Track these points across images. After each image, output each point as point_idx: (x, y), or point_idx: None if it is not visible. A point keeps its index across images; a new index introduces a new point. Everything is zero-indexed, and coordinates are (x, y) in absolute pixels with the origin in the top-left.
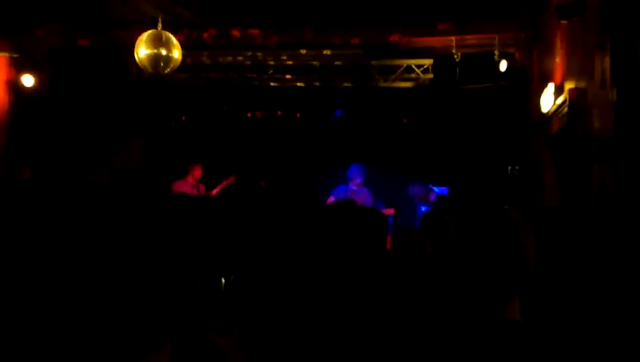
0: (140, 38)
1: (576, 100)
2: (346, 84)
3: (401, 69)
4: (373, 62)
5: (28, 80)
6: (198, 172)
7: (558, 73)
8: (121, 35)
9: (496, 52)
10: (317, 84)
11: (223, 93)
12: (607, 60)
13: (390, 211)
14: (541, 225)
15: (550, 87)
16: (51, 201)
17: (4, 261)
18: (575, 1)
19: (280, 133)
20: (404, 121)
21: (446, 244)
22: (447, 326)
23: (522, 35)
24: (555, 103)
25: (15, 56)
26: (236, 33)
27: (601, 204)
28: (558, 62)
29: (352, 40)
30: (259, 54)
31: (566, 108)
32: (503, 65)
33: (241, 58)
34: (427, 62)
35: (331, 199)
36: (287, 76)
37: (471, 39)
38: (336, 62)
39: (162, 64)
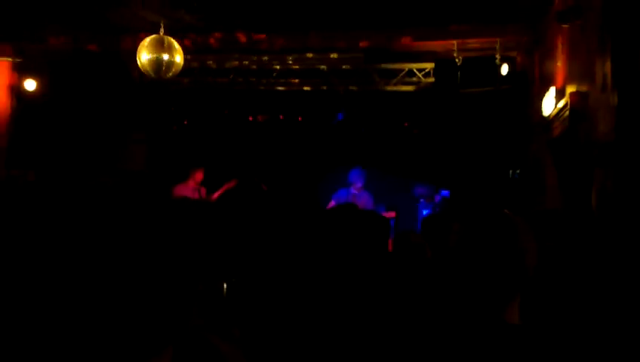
0: (142, 43)
1: (578, 104)
2: (347, 88)
3: (403, 72)
4: (374, 66)
5: (30, 84)
6: (199, 176)
7: (560, 77)
8: (123, 40)
9: (497, 56)
10: (324, 87)
11: (224, 98)
12: (608, 64)
13: (391, 214)
14: (542, 229)
15: (551, 91)
16: (54, 205)
17: (6, 263)
18: (576, 5)
19: (281, 137)
20: (406, 124)
21: (446, 248)
22: (446, 329)
23: (524, 38)
24: (556, 107)
25: (17, 60)
26: (242, 38)
27: (603, 208)
28: (560, 65)
29: (361, 43)
30: (264, 58)
31: (567, 112)
32: (505, 69)
33: (247, 62)
34: (428, 65)
35: (332, 203)
36: (292, 80)
37: (472, 43)
38: (344, 66)
39: (164, 68)
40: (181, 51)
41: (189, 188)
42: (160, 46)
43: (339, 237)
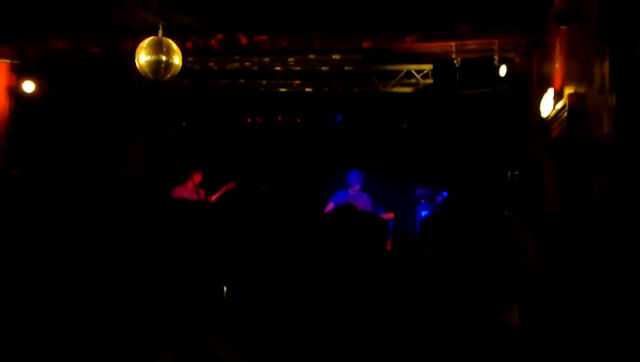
0: (140, 45)
1: (576, 105)
2: (346, 90)
3: (401, 74)
4: (373, 68)
5: (28, 86)
6: (198, 177)
7: (558, 78)
8: (122, 42)
9: (495, 57)
10: (323, 89)
11: (222, 99)
12: (607, 66)
13: (390, 215)
14: (541, 230)
15: (550, 92)
16: (54, 206)
17: (7, 265)
18: (574, 7)
19: (280, 139)
20: (404, 125)
21: (446, 249)
22: (446, 330)
23: (522, 40)
24: (554, 108)
25: (16, 62)
26: (243, 39)
27: (601, 209)
28: (558, 67)
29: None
30: (266, 59)
31: (565, 113)
32: (503, 71)
33: (248, 64)
34: (427, 67)
35: (330, 205)
36: (291, 82)
37: (471, 44)
38: (346, 68)
39: (163, 70)
40: (179, 53)
41: (188, 189)
42: (158, 48)
43: (337, 238)
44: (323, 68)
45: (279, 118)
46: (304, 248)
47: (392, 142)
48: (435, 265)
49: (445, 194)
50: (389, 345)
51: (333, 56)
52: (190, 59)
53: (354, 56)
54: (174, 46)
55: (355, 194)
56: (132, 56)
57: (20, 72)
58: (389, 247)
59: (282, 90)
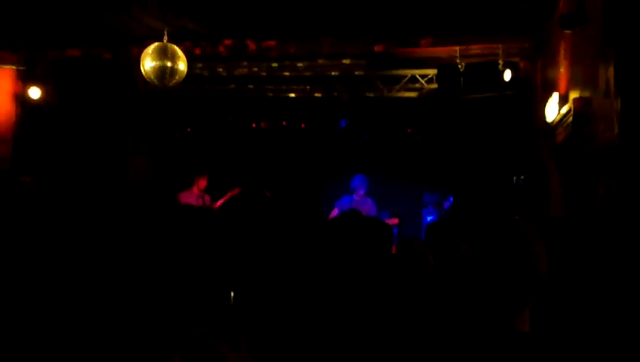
0: (145, 51)
1: (581, 110)
2: (350, 95)
3: (406, 79)
4: (377, 73)
5: (34, 92)
6: (203, 183)
7: (563, 83)
8: (127, 48)
9: (500, 62)
10: (327, 94)
11: (227, 105)
12: (611, 70)
13: (394, 221)
14: (547, 235)
15: (555, 97)
16: (62, 213)
17: (16, 274)
18: (578, 10)
19: (285, 144)
20: (409, 130)
21: (453, 255)
22: (454, 336)
23: (526, 44)
24: (559, 113)
25: (21, 68)
26: (251, 45)
27: (607, 214)
28: (563, 71)
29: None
30: (274, 65)
31: (571, 118)
32: (507, 75)
33: (256, 69)
34: (431, 72)
35: (335, 210)
36: (296, 87)
37: (475, 49)
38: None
39: (168, 76)
40: (184, 59)
41: (193, 195)
42: (163, 53)
43: (343, 244)
44: (332, 73)
45: (284, 123)
46: (309, 254)
47: (396, 147)
48: (440, 271)
49: (451, 199)
50: (396, 352)
51: (344, 61)
52: (199, 65)
53: (361, 61)
54: (179, 52)
55: (360, 199)
56: (137, 62)
57: (26, 78)
58: (394, 253)
59: (290, 95)
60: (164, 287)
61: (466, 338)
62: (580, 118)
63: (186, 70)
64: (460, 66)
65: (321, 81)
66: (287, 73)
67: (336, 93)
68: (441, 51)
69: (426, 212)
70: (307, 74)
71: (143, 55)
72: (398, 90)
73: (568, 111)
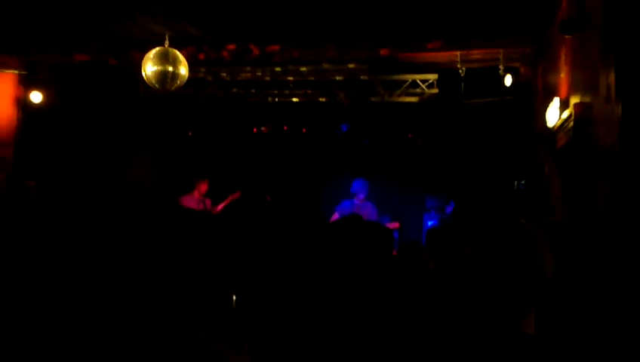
0: (146, 55)
1: (582, 115)
2: (351, 100)
3: (407, 83)
4: (378, 78)
5: (36, 96)
6: (204, 187)
7: (563, 88)
8: (128, 52)
9: (501, 67)
10: (328, 99)
11: (228, 109)
12: (612, 75)
13: (395, 225)
14: (549, 240)
15: (555, 102)
16: (61, 217)
17: (17, 281)
18: (579, 16)
19: (286, 149)
20: (410, 135)
21: (456, 259)
22: (457, 340)
23: (527, 49)
24: (560, 118)
25: (23, 73)
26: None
27: (608, 219)
28: (563, 76)
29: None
30: (277, 69)
31: (571, 123)
32: (508, 80)
33: (259, 73)
34: (432, 77)
35: (336, 215)
36: (298, 92)
37: (476, 54)
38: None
39: (169, 80)
40: (186, 63)
41: (194, 199)
42: (165, 58)
43: (344, 248)
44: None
45: (285, 128)
46: (310, 258)
47: (397, 152)
48: (441, 275)
49: (452, 204)
50: (399, 355)
51: (349, 65)
52: (202, 69)
53: (363, 66)
54: (180, 56)
55: (360, 203)
56: (139, 66)
57: (28, 82)
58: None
59: (292, 100)
60: (166, 291)
61: (470, 342)
62: (580, 123)
63: (187, 74)
64: (460, 71)
65: (322, 85)
66: (290, 78)
67: (330, 98)
68: (441, 56)
69: (427, 216)
70: (311, 78)
71: (144, 60)
72: (399, 95)
73: (569, 117)
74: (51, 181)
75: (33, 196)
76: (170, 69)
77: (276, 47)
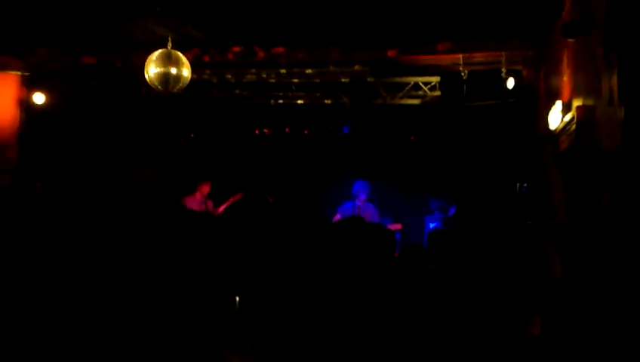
0: (149, 57)
1: (584, 118)
2: (353, 102)
3: (409, 86)
4: (380, 80)
5: (39, 98)
6: (206, 188)
7: (566, 91)
8: (131, 54)
9: (503, 69)
10: (330, 101)
11: (231, 111)
12: (615, 78)
13: (397, 226)
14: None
15: (558, 105)
16: (65, 219)
17: (20, 285)
18: (581, 19)
19: (288, 150)
20: (412, 137)
21: (460, 261)
22: (462, 341)
23: (529, 52)
24: (562, 121)
25: (26, 74)
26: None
27: (610, 221)
28: (566, 79)
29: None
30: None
31: (574, 126)
32: (510, 83)
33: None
34: (434, 79)
35: (337, 216)
36: (300, 94)
37: (478, 57)
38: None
39: (172, 82)
40: (188, 65)
41: (196, 200)
42: (167, 60)
43: (346, 250)
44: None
45: (286, 130)
46: (313, 259)
47: (399, 154)
48: (441, 277)
49: (454, 206)
50: (402, 358)
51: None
52: (207, 71)
53: (365, 68)
54: (183, 58)
55: (362, 204)
56: (141, 68)
57: (31, 84)
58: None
59: (295, 102)
60: (169, 292)
61: (475, 343)
62: (583, 126)
63: (190, 76)
64: (463, 74)
65: (324, 88)
66: (296, 80)
67: (332, 100)
68: (444, 59)
69: (429, 219)
70: (317, 80)
71: (147, 61)
72: (401, 98)
73: (571, 119)
74: (54, 182)
75: (38, 197)
76: (173, 70)
77: (281, 50)
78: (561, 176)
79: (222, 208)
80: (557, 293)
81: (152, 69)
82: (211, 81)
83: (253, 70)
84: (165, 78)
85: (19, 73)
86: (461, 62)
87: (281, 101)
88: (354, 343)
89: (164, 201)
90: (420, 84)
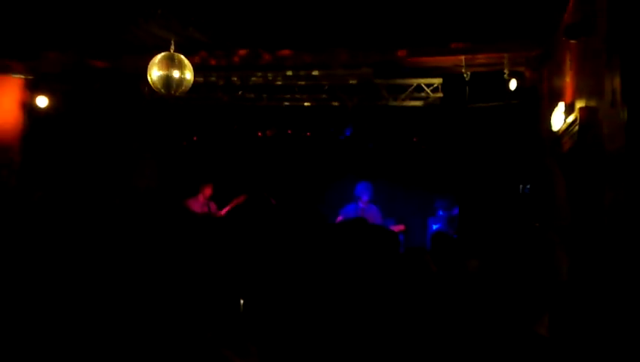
0: (152, 60)
1: (587, 119)
2: (355, 103)
3: (411, 88)
4: (383, 82)
5: (42, 101)
6: (208, 191)
7: (569, 92)
8: (133, 57)
9: (505, 71)
10: (333, 103)
11: (233, 113)
12: (617, 79)
13: (400, 228)
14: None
15: (560, 106)
16: (69, 222)
17: (23, 291)
18: (584, 20)
19: (290, 152)
20: (415, 139)
21: (461, 263)
22: (468, 341)
23: (532, 54)
24: (565, 122)
25: (29, 77)
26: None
27: (613, 223)
28: (568, 81)
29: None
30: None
31: (577, 127)
32: (513, 84)
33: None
34: (437, 81)
35: (340, 218)
36: (301, 95)
37: (480, 58)
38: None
39: (175, 85)
40: (191, 68)
41: (199, 203)
42: (170, 63)
43: (350, 251)
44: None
45: (289, 132)
46: (316, 261)
47: (402, 156)
48: (444, 278)
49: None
50: (405, 357)
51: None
52: (214, 74)
53: (360, 71)
54: (186, 61)
55: (365, 206)
56: (144, 71)
57: (33, 87)
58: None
59: (297, 104)
60: (174, 294)
61: (485, 342)
62: (585, 128)
63: (192, 79)
64: (465, 75)
65: (327, 90)
66: (302, 82)
67: (334, 102)
68: (446, 60)
69: (432, 220)
70: (323, 83)
71: (150, 64)
72: (404, 99)
73: (574, 121)
74: (57, 184)
75: (41, 199)
76: (176, 74)
77: (287, 52)
78: (564, 177)
79: (224, 210)
80: (564, 294)
81: (155, 72)
82: (217, 83)
83: (259, 73)
84: (168, 81)
85: (22, 76)
86: (463, 64)
87: (287, 103)
88: (358, 344)
89: (166, 204)
90: (423, 85)
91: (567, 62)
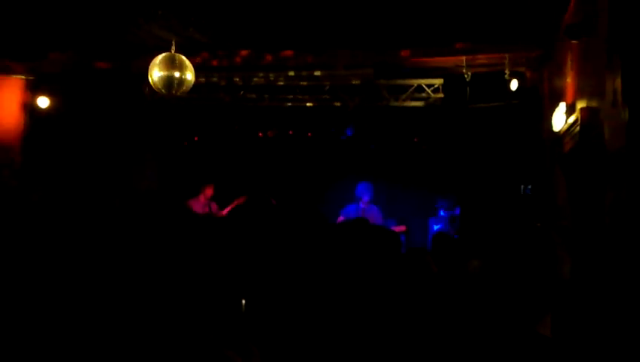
0: (153, 61)
1: (588, 119)
2: (356, 104)
3: (412, 88)
4: (383, 82)
5: (43, 102)
6: (209, 191)
7: (570, 92)
8: (135, 58)
9: (506, 71)
10: (334, 103)
11: (234, 114)
12: (619, 79)
13: (402, 228)
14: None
15: (561, 107)
16: (70, 223)
17: (27, 294)
18: (585, 21)
19: (291, 153)
20: (415, 140)
21: (462, 264)
22: (469, 341)
23: (533, 54)
24: (566, 122)
25: (30, 78)
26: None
27: (615, 223)
28: (570, 81)
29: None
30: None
31: (578, 128)
32: (514, 85)
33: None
34: (437, 81)
35: (341, 218)
36: (302, 96)
37: (481, 59)
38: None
39: (176, 86)
40: (192, 68)
41: (200, 203)
42: (171, 64)
43: (352, 252)
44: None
45: (290, 132)
46: (318, 262)
47: (403, 156)
48: (444, 279)
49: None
50: (406, 357)
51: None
52: (215, 74)
53: (361, 71)
54: (187, 62)
55: (365, 206)
56: (145, 72)
57: (35, 88)
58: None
59: (298, 105)
60: (176, 295)
61: (487, 343)
62: (587, 128)
63: (193, 80)
64: (466, 76)
65: (327, 90)
66: (304, 83)
67: (335, 103)
68: (447, 61)
69: (433, 220)
70: (325, 83)
71: (151, 65)
72: (405, 100)
73: (575, 121)
74: (58, 185)
75: (42, 200)
76: (177, 74)
77: (289, 53)
78: (565, 177)
79: (226, 211)
80: (566, 294)
81: (156, 73)
82: (219, 84)
83: (261, 73)
84: (169, 81)
85: (23, 77)
86: (464, 64)
87: (289, 104)
88: (360, 345)
89: (167, 204)
90: (423, 86)
91: (568, 63)
